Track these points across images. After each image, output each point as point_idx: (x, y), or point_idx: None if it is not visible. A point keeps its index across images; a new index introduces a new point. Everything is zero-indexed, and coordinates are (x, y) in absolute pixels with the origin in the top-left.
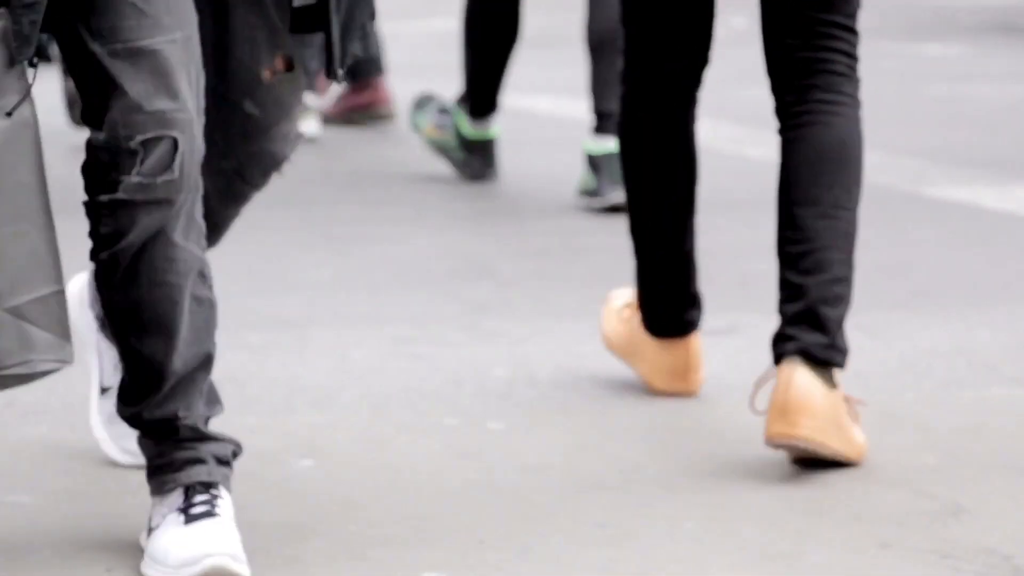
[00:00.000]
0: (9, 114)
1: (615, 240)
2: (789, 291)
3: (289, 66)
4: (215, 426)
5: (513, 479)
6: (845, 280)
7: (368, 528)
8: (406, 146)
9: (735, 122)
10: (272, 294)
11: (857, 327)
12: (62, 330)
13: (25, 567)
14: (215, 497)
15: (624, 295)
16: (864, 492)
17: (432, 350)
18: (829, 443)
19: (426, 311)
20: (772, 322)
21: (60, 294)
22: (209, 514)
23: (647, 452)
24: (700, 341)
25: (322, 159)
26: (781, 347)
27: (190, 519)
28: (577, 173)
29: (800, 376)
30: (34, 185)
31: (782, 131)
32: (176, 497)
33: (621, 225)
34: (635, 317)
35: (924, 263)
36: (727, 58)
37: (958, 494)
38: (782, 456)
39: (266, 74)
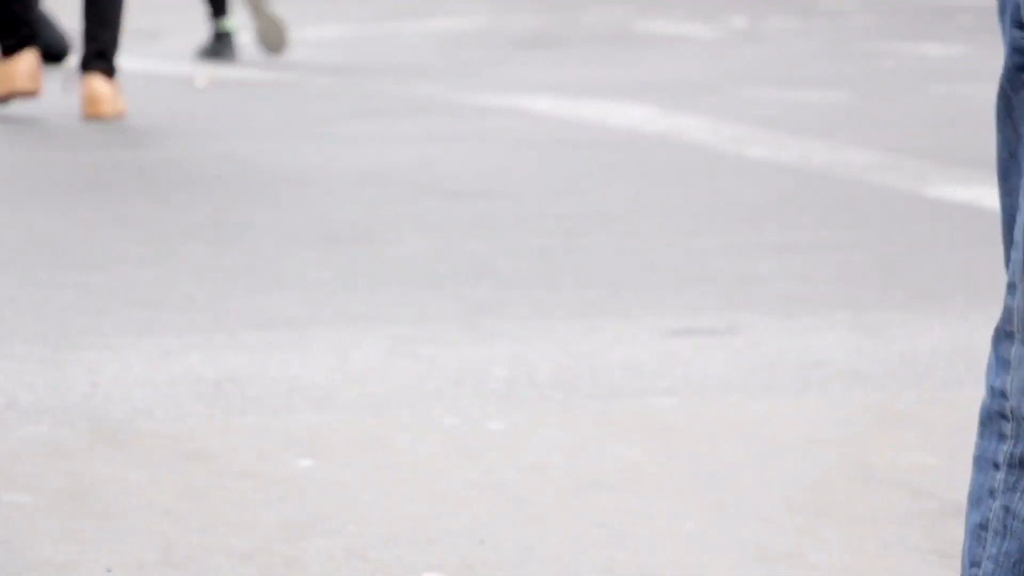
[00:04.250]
0: None
1: (615, 240)
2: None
3: None
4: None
5: (513, 479)
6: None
7: (368, 528)
8: (406, 146)
9: (735, 122)
10: (272, 294)
11: (857, 327)
12: None
13: (25, 567)
14: None
15: None
16: (864, 492)
17: (432, 350)
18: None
19: (426, 311)
20: (772, 322)
21: None
22: None
23: (647, 452)
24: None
25: (323, 159)
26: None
27: None
28: (578, 173)
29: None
30: None
31: None
32: None
33: (621, 225)
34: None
35: (924, 263)
36: (727, 58)
37: (958, 494)
38: (782, 456)
39: None
